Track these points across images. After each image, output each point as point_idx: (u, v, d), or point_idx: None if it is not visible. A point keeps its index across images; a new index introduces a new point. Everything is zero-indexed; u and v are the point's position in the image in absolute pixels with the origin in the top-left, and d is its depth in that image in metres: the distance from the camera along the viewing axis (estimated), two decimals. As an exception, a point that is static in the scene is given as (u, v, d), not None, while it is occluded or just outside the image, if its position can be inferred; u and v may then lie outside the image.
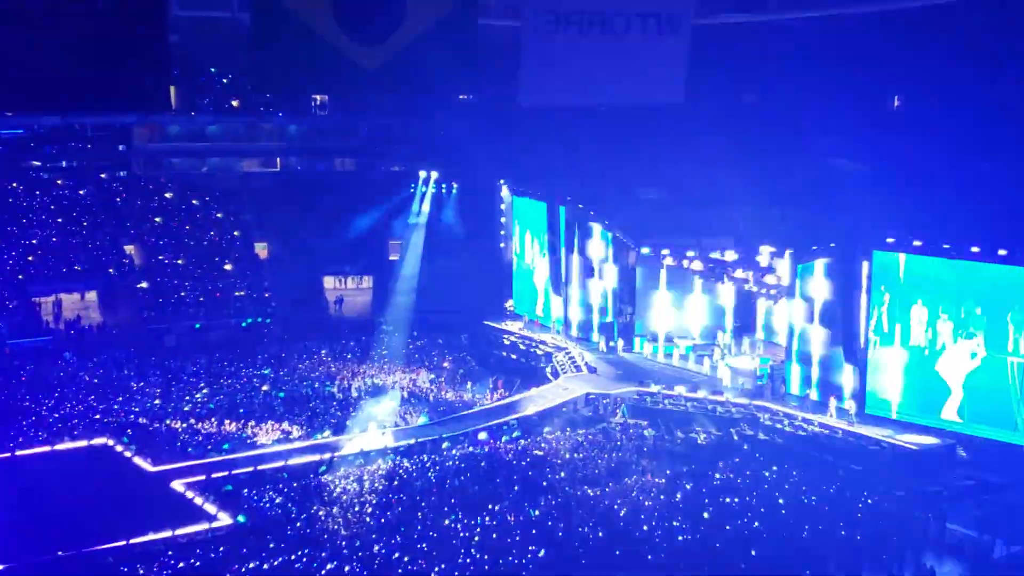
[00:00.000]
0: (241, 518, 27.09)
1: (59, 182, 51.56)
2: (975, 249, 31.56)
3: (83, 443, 32.93)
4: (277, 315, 48.66)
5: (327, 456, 31.38)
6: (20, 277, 46.43)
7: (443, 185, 53.65)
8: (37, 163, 52.75)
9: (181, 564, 24.47)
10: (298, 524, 26.63)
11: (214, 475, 29.64)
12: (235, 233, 52.30)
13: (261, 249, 53.04)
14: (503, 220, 49.71)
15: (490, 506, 27.67)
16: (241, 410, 36.44)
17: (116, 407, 36.47)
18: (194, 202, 52.84)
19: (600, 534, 26.03)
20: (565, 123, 44.02)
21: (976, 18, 36.60)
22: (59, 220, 49.43)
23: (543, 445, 33.45)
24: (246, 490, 29.00)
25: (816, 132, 40.81)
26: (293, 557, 24.49)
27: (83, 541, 25.16)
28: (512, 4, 30.17)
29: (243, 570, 24.05)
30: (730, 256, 39.42)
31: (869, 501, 28.41)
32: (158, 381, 39.75)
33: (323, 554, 24.66)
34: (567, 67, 25.21)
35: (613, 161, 45.41)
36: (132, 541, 25.21)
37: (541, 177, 46.41)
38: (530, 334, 45.24)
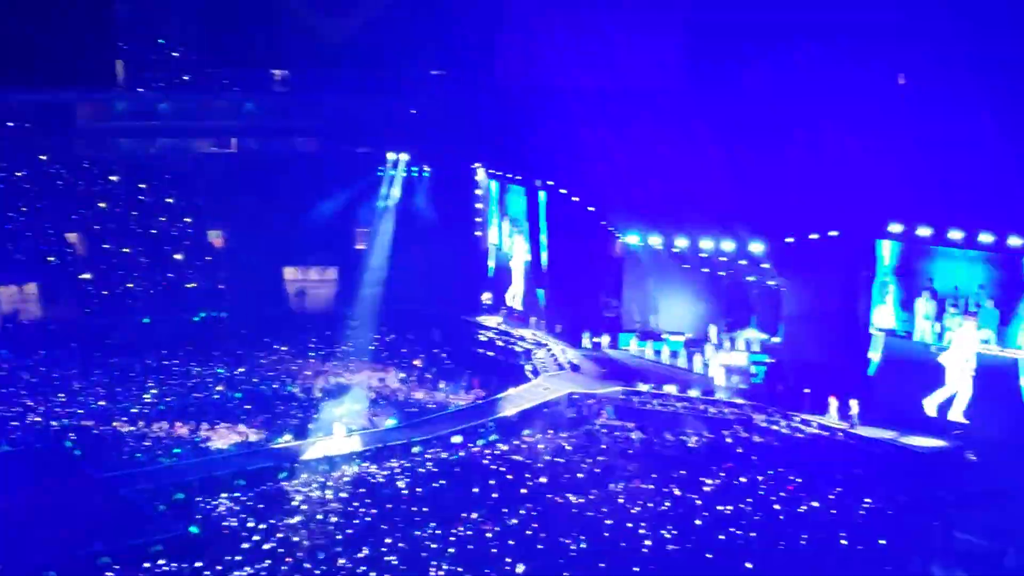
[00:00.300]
0: (193, 529, 26.89)
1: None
2: (987, 239, 31.68)
3: (21, 448, 32.64)
4: (233, 309, 48.50)
5: (288, 462, 31.24)
6: (-49, 268, 46.13)
7: (414, 168, 53.42)
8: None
9: (128, 579, 24.27)
10: (255, 536, 26.46)
11: (164, 482, 29.46)
12: (187, 220, 51.93)
13: (215, 237, 52.76)
14: (479, 206, 49.61)
15: (465, 515, 27.68)
16: (193, 411, 36.32)
17: (58, 409, 36.30)
18: (142, 186, 52.28)
19: (584, 544, 26.07)
20: (551, 101, 43.82)
21: None
22: (-6, 206, 48.97)
23: (522, 448, 33.53)
24: (199, 498, 28.85)
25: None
26: (250, 571, 24.35)
27: (23, 554, 24.83)
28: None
29: (196, 585, 23.88)
30: (726, 246, 39.45)
31: (872, 507, 28.54)
32: (103, 380, 39.53)
33: (283, 568, 24.56)
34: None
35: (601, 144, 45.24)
36: (75, 553, 24.91)
37: (521, 159, 46.25)
38: (508, 329, 45.24)
